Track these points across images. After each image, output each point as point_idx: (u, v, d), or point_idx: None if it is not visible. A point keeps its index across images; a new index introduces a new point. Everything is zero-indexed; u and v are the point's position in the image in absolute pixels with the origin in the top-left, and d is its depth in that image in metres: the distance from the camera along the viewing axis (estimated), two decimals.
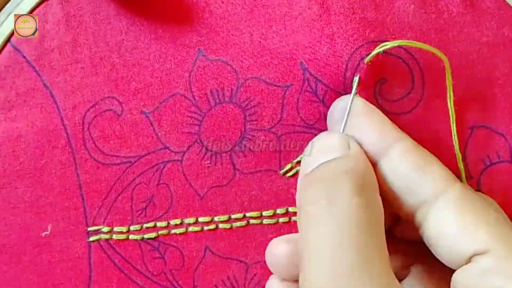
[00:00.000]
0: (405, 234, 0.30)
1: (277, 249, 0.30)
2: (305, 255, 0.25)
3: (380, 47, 0.29)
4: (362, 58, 0.30)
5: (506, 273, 0.24)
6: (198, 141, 0.32)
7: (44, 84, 0.33)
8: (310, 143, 0.29)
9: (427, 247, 0.28)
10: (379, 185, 0.28)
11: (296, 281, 0.28)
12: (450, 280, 0.27)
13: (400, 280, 0.29)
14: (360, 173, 0.26)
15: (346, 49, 0.30)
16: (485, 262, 0.25)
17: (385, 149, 0.28)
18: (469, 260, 0.26)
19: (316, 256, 0.24)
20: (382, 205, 0.26)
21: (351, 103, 0.29)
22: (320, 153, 0.28)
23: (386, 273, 0.24)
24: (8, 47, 0.33)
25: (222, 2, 0.31)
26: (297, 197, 0.28)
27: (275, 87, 0.31)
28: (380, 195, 0.28)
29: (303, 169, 0.28)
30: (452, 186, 0.27)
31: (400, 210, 0.28)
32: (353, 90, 0.29)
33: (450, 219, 0.26)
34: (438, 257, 0.27)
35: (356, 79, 0.30)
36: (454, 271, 0.27)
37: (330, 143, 0.28)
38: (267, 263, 0.31)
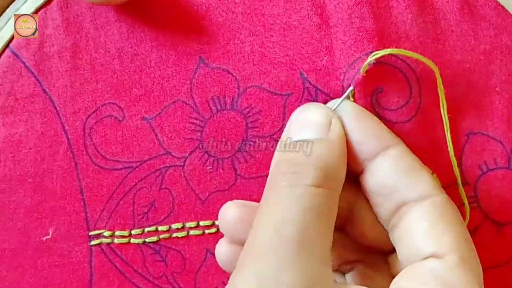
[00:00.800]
0: (356, 235, 0.31)
1: (228, 212, 0.30)
2: (255, 222, 0.27)
3: (372, 56, 0.30)
4: (359, 69, 0.30)
5: (444, 280, 0.26)
6: (200, 146, 0.33)
7: (44, 90, 0.33)
8: (298, 109, 0.30)
9: (374, 250, 0.31)
10: (367, 183, 0.29)
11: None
12: (388, 281, 0.28)
13: (344, 272, 0.32)
14: (329, 162, 0.27)
15: (344, 59, 0.30)
16: (434, 264, 0.26)
17: (380, 151, 0.29)
18: (424, 259, 0.27)
19: (263, 224, 0.26)
20: (337, 199, 0.28)
21: (340, 102, 0.30)
22: (301, 127, 0.29)
23: (321, 258, 0.26)
24: (7, 52, 0.33)
25: (223, 11, 0.32)
26: (271, 164, 0.30)
27: (276, 95, 0.32)
28: (365, 191, 0.29)
29: (283, 136, 0.30)
30: (439, 194, 0.28)
31: (380, 208, 0.29)
32: (345, 94, 0.30)
33: (426, 219, 0.27)
34: (399, 253, 0.29)
35: (351, 88, 0.30)
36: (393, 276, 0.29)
37: (313, 119, 0.29)
38: (219, 224, 0.31)
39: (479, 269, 0.27)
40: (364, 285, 0.27)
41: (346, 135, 0.29)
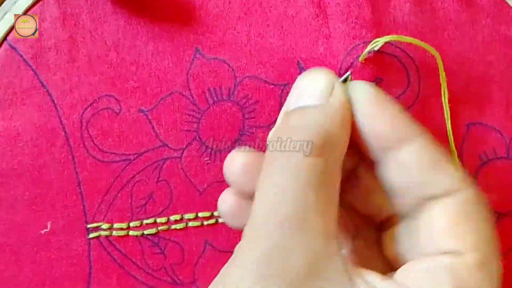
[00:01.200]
0: (355, 201, 0.30)
1: (235, 160, 0.29)
2: (255, 196, 0.25)
3: (372, 44, 0.29)
4: (358, 56, 0.30)
5: (459, 277, 0.24)
6: (197, 138, 0.33)
7: (41, 83, 0.33)
8: (301, 76, 0.28)
9: (368, 224, 0.29)
10: (386, 174, 0.27)
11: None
12: (380, 260, 0.28)
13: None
14: (327, 132, 0.26)
15: (342, 48, 0.30)
16: (451, 261, 0.25)
17: (403, 141, 0.27)
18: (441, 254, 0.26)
19: (262, 200, 0.25)
20: (338, 169, 0.26)
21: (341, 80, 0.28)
22: (302, 94, 0.27)
23: (323, 233, 0.24)
24: (5, 45, 0.33)
25: (219, 1, 0.32)
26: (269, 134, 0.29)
27: (273, 86, 0.32)
28: (382, 182, 0.28)
29: (285, 105, 0.28)
30: (466, 189, 0.26)
31: (399, 200, 0.27)
32: (342, 78, 0.29)
33: (449, 215, 0.26)
34: (411, 244, 0.27)
35: (348, 73, 0.30)
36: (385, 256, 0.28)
37: (314, 84, 0.27)
38: (224, 173, 0.29)
39: (499, 273, 0.25)
40: (356, 263, 0.26)
41: (362, 120, 0.27)
